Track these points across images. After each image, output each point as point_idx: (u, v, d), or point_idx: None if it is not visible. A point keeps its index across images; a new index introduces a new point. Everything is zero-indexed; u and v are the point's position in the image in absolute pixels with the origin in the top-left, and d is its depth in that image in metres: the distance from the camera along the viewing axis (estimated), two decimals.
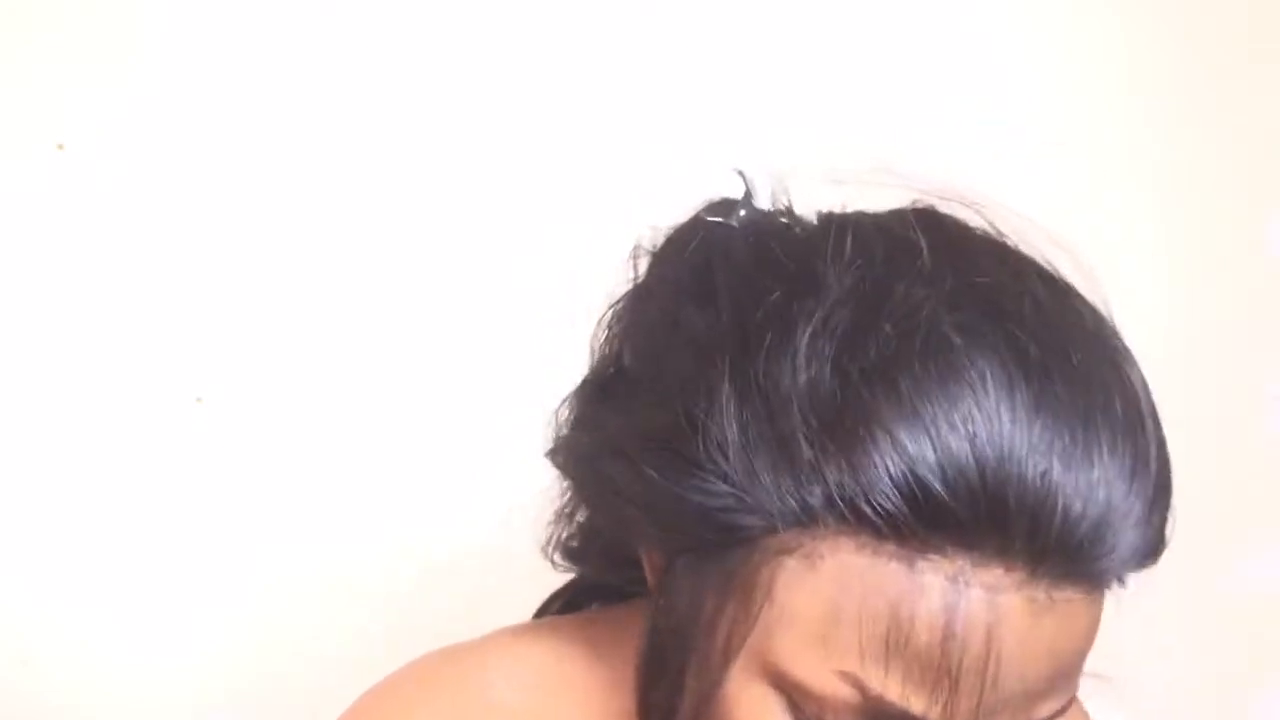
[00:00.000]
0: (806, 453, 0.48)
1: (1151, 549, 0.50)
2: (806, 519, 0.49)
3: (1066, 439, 0.47)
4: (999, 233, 0.56)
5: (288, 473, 0.98)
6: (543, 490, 0.63)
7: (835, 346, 0.49)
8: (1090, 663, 0.55)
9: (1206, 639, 1.14)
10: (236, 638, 0.98)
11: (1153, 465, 0.50)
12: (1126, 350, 0.53)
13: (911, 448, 0.47)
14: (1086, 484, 0.47)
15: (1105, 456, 0.48)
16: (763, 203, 0.59)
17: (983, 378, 0.48)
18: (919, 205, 0.56)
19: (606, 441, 0.55)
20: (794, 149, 1.04)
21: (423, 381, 1.00)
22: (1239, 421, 1.14)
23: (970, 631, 0.47)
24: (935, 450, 0.47)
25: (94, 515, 0.96)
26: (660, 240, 0.60)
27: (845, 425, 0.48)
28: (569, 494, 0.63)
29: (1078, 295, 0.54)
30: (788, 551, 0.49)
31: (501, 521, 1.00)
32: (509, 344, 0.99)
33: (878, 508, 0.47)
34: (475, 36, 1.00)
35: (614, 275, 0.60)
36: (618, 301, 0.60)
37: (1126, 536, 0.48)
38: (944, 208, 0.57)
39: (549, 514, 0.64)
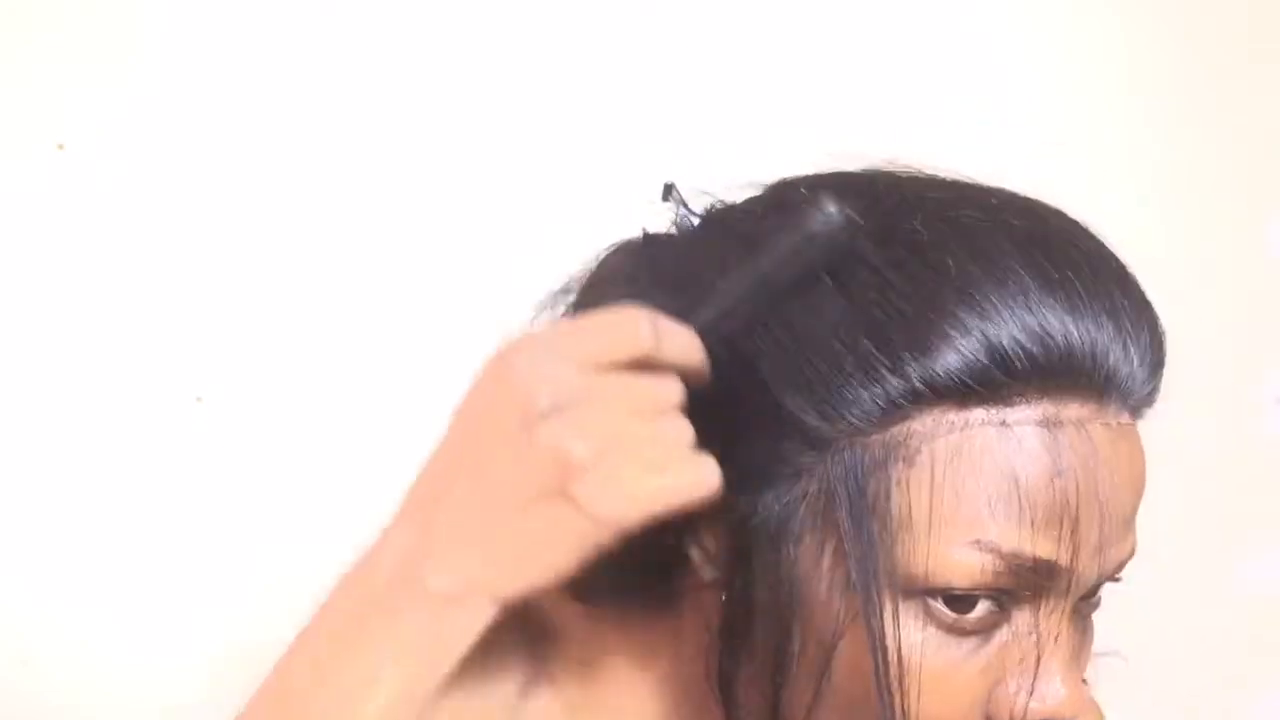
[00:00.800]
0: (877, 356, 0.51)
1: (1159, 377, 0.56)
2: (889, 416, 0.52)
3: (1092, 282, 0.53)
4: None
5: (288, 472, 0.98)
6: None
7: (876, 252, 0.53)
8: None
9: (1207, 639, 1.14)
10: (236, 638, 0.98)
11: (1149, 299, 0.56)
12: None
13: (978, 314, 0.51)
14: (1124, 316, 0.53)
15: (1122, 293, 0.54)
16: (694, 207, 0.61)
17: (1014, 244, 0.53)
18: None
19: None
20: (793, 150, 1.03)
21: (423, 381, 1.00)
22: (1239, 422, 1.14)
23: (1073, 464, 0.52)
24: (1000, 310, 0.51)
25: (94, 515, 0.96)
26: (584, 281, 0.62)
27: (908, 315, 0.52)
28: None
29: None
30: (880, 465, 0.52)
31: None
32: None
33: (961, 377, 0.51)
34: (476, 37, 1.00)
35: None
36: None
37: (1155, 363, 0.55)
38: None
39: None
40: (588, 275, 0.63)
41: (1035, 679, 0.53)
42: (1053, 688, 0.53)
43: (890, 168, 0.60)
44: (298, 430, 0.98)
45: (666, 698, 0.60)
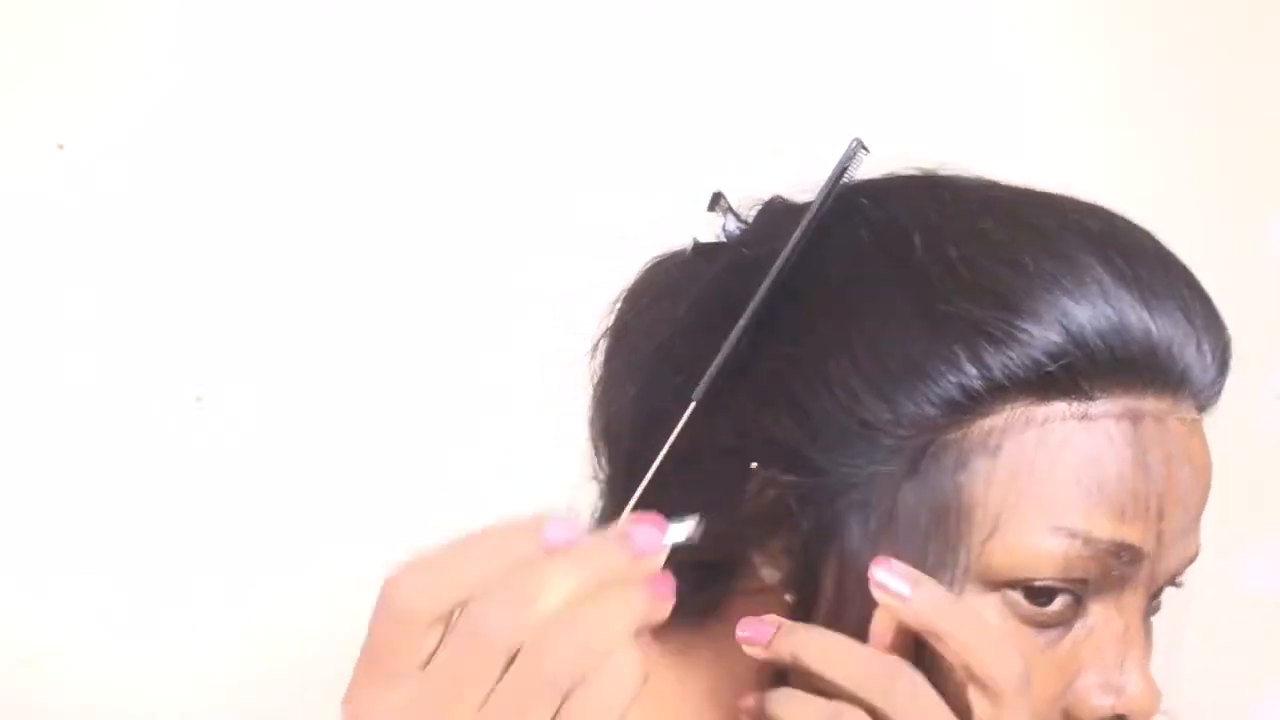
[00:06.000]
0: (955, 349, 0.52)
1: (1225, 377, 0.58)
2: (968, 411, 0.52)
3: (1165, 280, 0.55)
4: None
5: (288, 473, 0.98)
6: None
7: (952, 250, 0.53)
8: None
9: (1206, 640, 1.14)
10: (237, 638, 0.98)
11: (1213, 301, 0.57)
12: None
13: (1059, 308, 0.52)
14: (1196, 315, 0.55)
15: (1191, 292, 0.55)
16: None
17: (1087, 242, 0.54)
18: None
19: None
20: (793, 150, 1.03)
21: (424, 381, 1.00)
22: (1239, 421, 1.14)
23: (1156, 456, 0.53)
24: (1080, 304, 0.52)
25: (94, 515, 0.96)
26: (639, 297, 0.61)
27: (987, 310, 0.52)
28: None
29: None
30: (958, 462, 0.52)
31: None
32: (512, 343, 0.99)
33: (1043, 366, 0.51)
34: (480, 41, 1.00)
35: (618, 280, 0.60)
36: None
37: (1223, 363, 0.56)
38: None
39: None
40: (629, 289, 0.62)
41: (1114, 672, 0.54)
42: (1132, 681, 0.54)
43: (940, 171, 0.60)
44: (298, 431, 0.98)
45: (704, 708, 0.59)
